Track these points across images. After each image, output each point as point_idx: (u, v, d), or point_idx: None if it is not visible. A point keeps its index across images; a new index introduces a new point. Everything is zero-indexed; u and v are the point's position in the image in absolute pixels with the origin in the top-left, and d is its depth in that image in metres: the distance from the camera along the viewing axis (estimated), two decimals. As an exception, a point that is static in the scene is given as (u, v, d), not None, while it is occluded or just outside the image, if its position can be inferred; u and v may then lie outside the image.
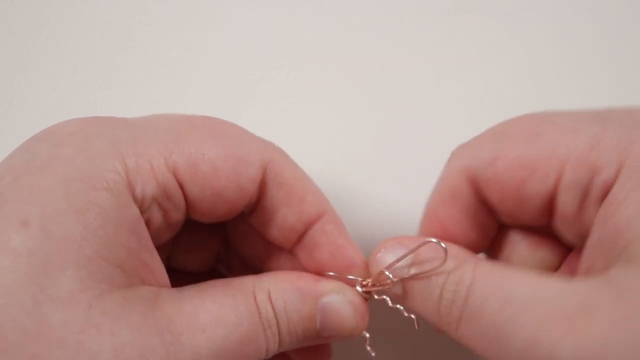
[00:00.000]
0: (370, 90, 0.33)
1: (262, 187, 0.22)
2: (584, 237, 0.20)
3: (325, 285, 0.23)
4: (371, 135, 0.32)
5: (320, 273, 0.23)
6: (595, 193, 0.19)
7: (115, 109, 0.32)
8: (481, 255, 0.24)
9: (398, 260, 0.22)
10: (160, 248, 0.21)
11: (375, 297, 0.23)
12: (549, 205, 0.21)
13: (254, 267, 0.25)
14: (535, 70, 0.33)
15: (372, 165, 0.32)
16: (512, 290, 0.19)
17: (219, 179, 0.21)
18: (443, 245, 0.21)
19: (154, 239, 0.21)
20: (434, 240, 0.21)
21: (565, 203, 0.20)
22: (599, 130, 0.19)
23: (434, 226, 0.23)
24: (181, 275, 0.25)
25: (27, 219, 0.18)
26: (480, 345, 0.20)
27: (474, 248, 0.23)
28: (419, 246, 0.21)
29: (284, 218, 0.23)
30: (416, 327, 0.22)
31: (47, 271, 0.17)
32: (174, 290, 0.20)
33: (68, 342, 0.17)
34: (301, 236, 0.23)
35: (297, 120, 0.32)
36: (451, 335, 0.21)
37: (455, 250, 0.22)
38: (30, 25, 0.32)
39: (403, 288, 0.22)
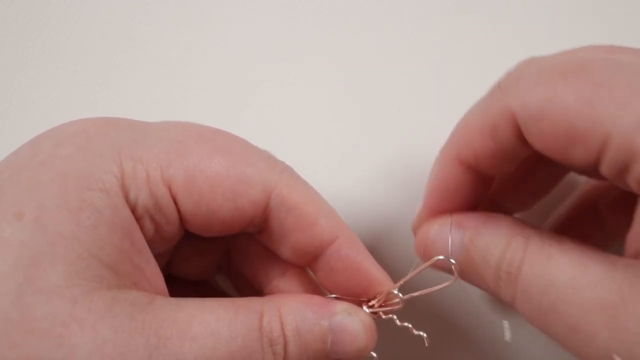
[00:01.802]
0: (371, 90, 0.32)
1: (267, 211, 0.22)
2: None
3: (335, 305, 0.22)
4: (371, 136, 0.32)
5: (332, 292, 0.23)
6: (635, 176, 0.18)
7: (115, 109, 0.32)
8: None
9: (407, 279, 0.22)
10: (159, 255, 0.21)
11: (383, 317, 0.23)
12: (594, 166, 0.20)
13: (256, 280, 0.25)
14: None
15: (372, 166, 0.32)
16: (555, 274, 0.19)
17: (215, 197, 0.21)
18: (453, 261, 0.21)
19: (150, 249, 0.20)
20: (441, 257, 0.21)
21: (607, 173, 0.19)
22: None
23: (467, 153, 0.22)
24: (180, 284, 0.25)
25: (22, 211, 0.18)
26: (534, 324, 0.20)
27: (500, 170, 0.22)
28: (429, 264, 0.21)
29: (296, 242, 0.22)
30: (426, 345, 0.22)
31: (36, 264, 0.17)
32: (172, 299, 0.20)
33: (49, 335, 0.17)
34: (315, 258, 0.23)
35: (297, 120, 0.32)
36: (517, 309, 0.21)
37: (506, 222, 0.22)
38: (30, 25, 0.32)
39: (461, 270, 0.22)
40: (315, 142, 0.32)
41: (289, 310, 0.21)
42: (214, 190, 0.21)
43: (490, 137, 0.21)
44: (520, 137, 0.20)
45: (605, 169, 0.19)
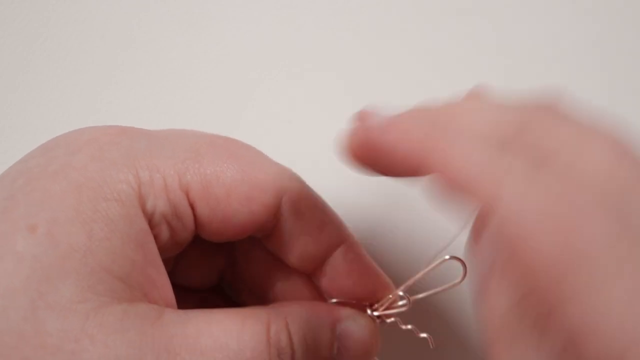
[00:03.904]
0: (371, 90, 0.33)
1: (277, 216, 0.22)
2: None
3: (340, 312, 0.22)
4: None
5: (332, 298, 0.23)
6: None
7: (116, 109, 0.32)
8: None
9: (413, 282, 0.22)
10: (163, 262, 0.21)
11: (387, 320, 0.23)
12: None
13: (259, 287, 0.25)
14: (536, 70, 0.33)
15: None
16: None
17: (231, 203, 0.21)
18: (462, 259, 0.20)
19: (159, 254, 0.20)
20: (447, 257, 0.21)
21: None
22: None
23: None
24: (183, 291, 0.25)
25: (35, 224, 0.18)
26: None
27: None
28: (437, 265, 0.21)
29: (303, 247, 0.23)
30: (431, 347, 0.22)
31: (48, 278, 0.17)
32: (180, 311, 0.20)
33: (62, 350, 0.17)
34: (321, 264, 0.23)
35: (297, 120, 0.32)
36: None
37: None
38: (30, 25, 0.32)
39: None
40: (315, 142, 0.32)
41: (295, 319, 0.21)
42: (230, 196, 0.21)
43: (461, 192, 0.18)
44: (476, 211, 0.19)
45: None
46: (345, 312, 0.22)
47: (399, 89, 0.32)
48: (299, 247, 0.23)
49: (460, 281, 0.21)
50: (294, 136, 0.32)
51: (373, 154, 0.20)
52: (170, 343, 0.18)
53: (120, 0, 0.32)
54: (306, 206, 0.22)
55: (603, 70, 0.33)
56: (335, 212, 0.24)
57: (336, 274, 0.23)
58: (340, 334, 0.22)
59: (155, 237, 0.20)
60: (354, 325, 0.22)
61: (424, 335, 0.22)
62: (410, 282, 0.22)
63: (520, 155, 0.17)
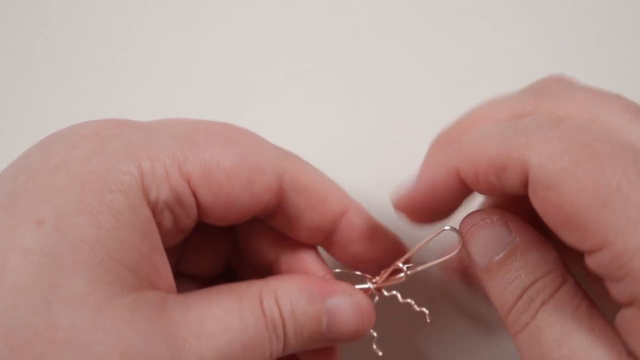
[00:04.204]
0: (371, 90, 0.33)
1: (280, 195, 0.22)
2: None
3: (332, 287, 0.23)
4: (372, 136, 0.32)
5: (354, 266, 0.23)
6: (619, 289, 0.18)
7: (115, 109, 0.32)
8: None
9: (413, 252, 0.22)
10: (169, 252, 0.21)
11: (386, 293, 0.23)
12: (582, 251, 0.19)
13: (264, 269, 0.25)
14: (536, 70, 0.33)
15: (372, 165, 0.32)
16: (571, 332, 0.19)
17: (233, 187, 0.21)
18: (457, 232, 0.21)
19: (163, 242, 0.21)
20: (447, 227, 0.21)
21: (593, 266, 0.19)
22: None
23: (467, 172, 0.21)
24: (190, 280, 0.25)
25: (41, 218, 0.18)
26: (526, 356, 0.20)
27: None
28: (436, 235, 0.21)
29: (310, 220, 0.23)
30: (427, 321, 0.22)
31: (59, 271, 0.17)
32: (180, 296, 0.20)
33: (76, 344, 0.17)
34: (330, 233, 0.23)
35: (297, 120, 0.32)
36: (510, 333, 0.21)
37: (553, 256, 0.21)
38: (30, 25, 0.32)
39: (485, 272, 0.21)
40: (315, 142, 0.32)
41: (284, 293, 0.21)
42: (231, 181, 0.21)
43: (495, 174, 0.20)
44: (525, 187, 0.20)
45: (593, 264, 0.18)
46: (339, 287, 0.23)
47: (399, 89, 0.32)
48: (305, 221, 0.23)
49: (457, 252, 0.21)
50: (294, 136, 0.32)
51: (421, 206, 0.22)
52: (177, 329, 0.19)
53: (120, 0, 0.32)
54: (307, 181, 0.23)
55: (603, 70, 0.33)
56: (336, 183, 0.24)
57: (346, 241, 0.23)
58: (329, 309, 0.22)
59: (159, 225, 0.20)
60: (344, 301, 0.22)
61: (421, 309, 0.22)
62: (409, 254, 0.22)
63: (539, 119, 0.19)
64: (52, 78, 0.32)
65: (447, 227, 0.21)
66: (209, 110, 0.32)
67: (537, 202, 0.19)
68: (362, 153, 0.32)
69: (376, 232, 0.24)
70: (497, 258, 0.21)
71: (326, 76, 0.33)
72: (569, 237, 0.19)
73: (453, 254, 0.21)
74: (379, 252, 0.24)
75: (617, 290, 0.18)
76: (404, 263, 0.22)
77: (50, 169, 0.19)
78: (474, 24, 0.33)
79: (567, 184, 0.18)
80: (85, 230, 0.18)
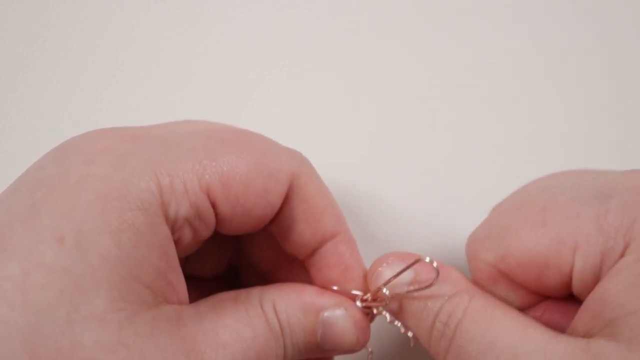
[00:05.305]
0: (371, 90, 0.33)
1: (285, 199, 0.22)
2: None
3: (328, 299, 0.23)
4: (371, 136, 0.32)
5: (326, 286, 0.23)
6: (605, 274, 0.19)
7: (115, 109, 0.32)
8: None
9: (396, 276, 0.22)
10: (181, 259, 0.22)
11: (375, 312, 0.23)
12: (568, 285, 0.21)
13: (265, 274, 0.25)
14: (536, 71, 0.33)
15: (372, 166, 0.32)
16: (496, 337, 0.19)
17: (249, 197, 0.21)
18: (435, 264, 0.21)
19: (178, 253, 0.21)
20: (427, 259, 0.21)
21: (579, 285, 0.20)
22: (602, 212, 0.19)
23: (506, 269, 0.22)
24: (194, 281, 0.25)
25: (62, 236, 0.18)
26: None
27: None
28: (413, 263, 0.22)
29: (300, 233, 0.23)
30: (411, 345, 0.23)
31: (81, 290, 0.17)
32: (192, 306, 0.20)
33: None
34: (314, 251, 0.23)
35: (297, 120, 0.32)
36: None
37: (455, 276, 0.22)
38: (30, 25, 0.32)
39: (400, 306, 0.22)
40: (315, 142, 0.32)
41: (281, 301, 0.22)
42: (248, 190, 0.21)
43: (537, 276, 0.21)
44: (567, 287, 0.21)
45: (576, 282, 0.20)
46: (332, 300, 0.23)
47: (399, 89, 0.32)
48: (295, 233, 0.23)
49: (431, 284, 0.21)
50: (294, 136, 0.32)
51: None
52: (194, 341, 0.19)
53: (120, 0, 0.32)
54: (311, 193, 0.23)
55: (603, 70, 0.33)
56: (336, 203, 0.24)
57: (324, 264, 0.23)
58: (324, 321, 0.22)
59: (179, 240, 0.20)
60: (338, 314, 0.22)
61: (406, 334, 0.23)
62: (389, 279, 0.22)
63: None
64: (52, 78, 0.32)
65: (427, 259, 0.21)
66: (209, 110, 0.32)
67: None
68: (362, 153, 0.32)
69: (353, 267, 0.23)
70: (402, 292, 0.22)
71: (326, 76, 0.33)
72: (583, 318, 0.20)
73: (428, 284, 0.21)
74: (351, 285, 0.23)
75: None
76: (385, 287, 0.22)
77: (70, 184, 0.19)
78: (474, 24, 0.32)
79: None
80: (107, 249, 0.18)
